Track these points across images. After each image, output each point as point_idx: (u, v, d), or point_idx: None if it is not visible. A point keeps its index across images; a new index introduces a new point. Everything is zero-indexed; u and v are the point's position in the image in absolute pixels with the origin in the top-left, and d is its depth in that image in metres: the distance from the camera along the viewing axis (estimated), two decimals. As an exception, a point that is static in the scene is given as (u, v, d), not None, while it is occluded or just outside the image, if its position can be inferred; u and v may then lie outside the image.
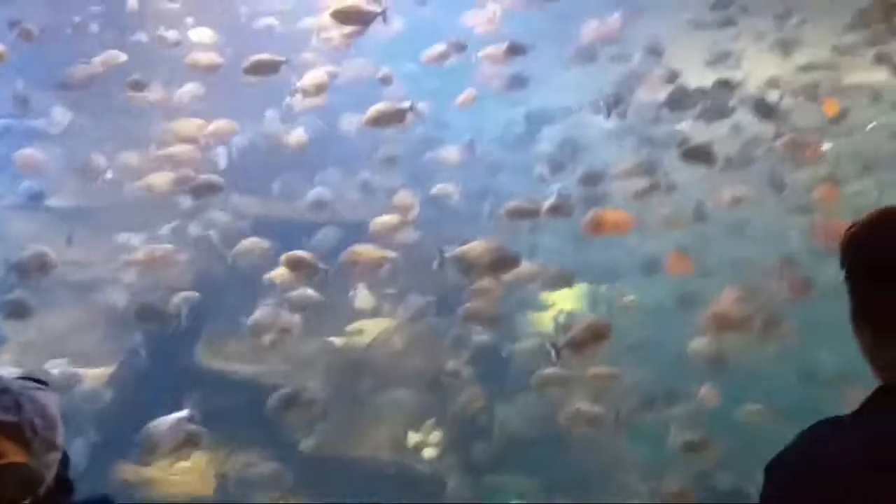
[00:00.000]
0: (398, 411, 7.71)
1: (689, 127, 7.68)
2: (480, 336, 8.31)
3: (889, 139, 8.17)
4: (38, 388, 1.84)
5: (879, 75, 7.88)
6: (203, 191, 7.31)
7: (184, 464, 7.10)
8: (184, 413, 6.48)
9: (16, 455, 1.71)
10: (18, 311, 6.83)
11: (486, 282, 6.83)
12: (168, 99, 8.24)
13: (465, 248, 5.94)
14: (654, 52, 8.74)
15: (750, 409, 7.37)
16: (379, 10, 6.46)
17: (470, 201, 9.47)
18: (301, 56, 8.35)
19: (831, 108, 7.52)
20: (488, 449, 7.77)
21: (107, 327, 7.80)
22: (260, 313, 7.24)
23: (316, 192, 8.24)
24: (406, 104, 6.76)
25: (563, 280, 7.89)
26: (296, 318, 7.63)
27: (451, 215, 9.49)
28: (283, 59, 6.91)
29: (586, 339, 5.76)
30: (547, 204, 6.94)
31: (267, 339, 7.59)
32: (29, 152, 8.05)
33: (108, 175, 8.02)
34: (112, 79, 7.92)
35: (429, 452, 7.45)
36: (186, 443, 6.12)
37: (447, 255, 5.99)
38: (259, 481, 6.98)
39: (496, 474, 7.75)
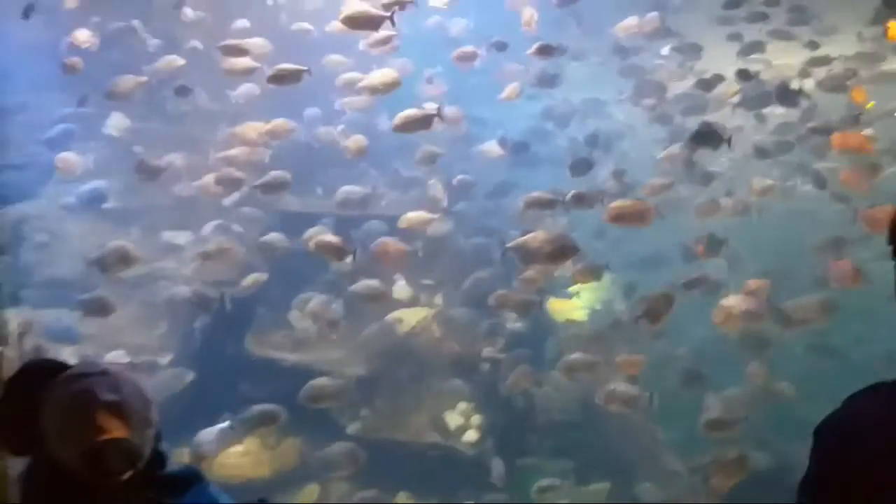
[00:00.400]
0: (439, 396, 8.00)
1: (718, 117, 7.82)
2: (515, 324, 8.63)
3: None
4: (132, 369, 2.08)
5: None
6: (274, 188, 7.54)
7: (237, 448, 7.48)
8: (225, 424, 6.95)
9: (118, 431, 1.84)
10: (99, 309, 7.11)
11: (530, 272, 7.00)
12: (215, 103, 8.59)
13: (525, 238, 6.12)
14: (686, 48, 8.94)
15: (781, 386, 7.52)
16: (387, 13, 6.62)
17: (502, 195, 9.75)
18: (337, 58, 8.69)
19: (859, 96, 7.63)
20: (526, 433, 8.03)
21: (161, 321, 8.18)
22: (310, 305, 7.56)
23: (346, 190, 8.38)
24: (433, 109, 6.99)
25: (593, 273, 8.03)
26: (338, 309, 8.02)
27: (486, 210, 9.81)
28: (305, 68, 7.06)
29: (659, 307, 6.12)
30: (569, 195, 7.10)
31: (313, 328, 7.97)
32: (65, 156, 8.27)
33: (167, 175, 8.29)
34: (167, 83, 8.30)
35: (470, 435, 7.73)
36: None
37: (508, 245, 6.18)
38: (335, 461, 7.28)
39: (533, 457, 8.00)
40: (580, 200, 7.09)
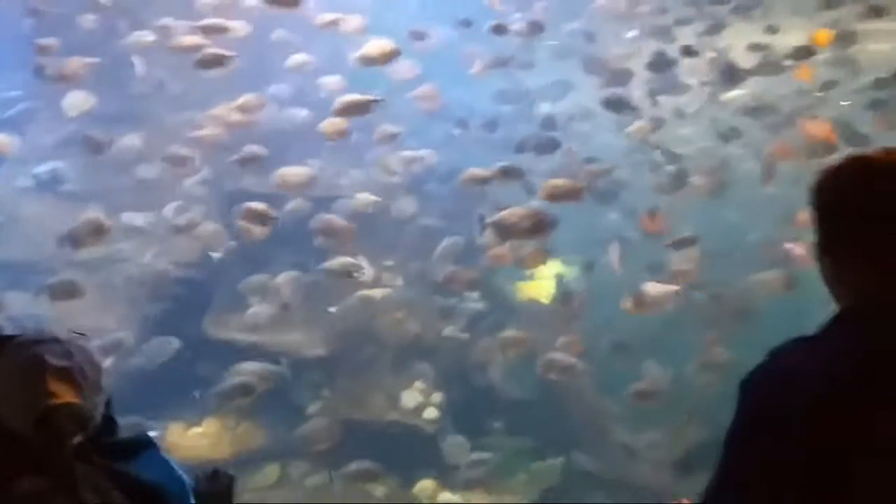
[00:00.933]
0: (398, 376, 8.06)
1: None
2: (476, 304, 8.69)
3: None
4: (83, 338, 2.06)
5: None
6: (248, 162, 7.54)
7: (197, 430, 7.50)
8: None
9: (69, 396, 1.88)
10: (68, 292, 7.04)
11: (497, 250, 7.04)
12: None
13: (504, 213, 6.19)
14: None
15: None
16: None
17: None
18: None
19: (804, 74, 7.72)
20: (485, 410, 8.11)
21: (119, 304, 8.13)
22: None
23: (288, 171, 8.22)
24: (374, 97, 7.17)
25: (540, 257, 8.05)
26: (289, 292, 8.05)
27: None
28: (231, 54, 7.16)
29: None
30: (497, 168, 7.22)
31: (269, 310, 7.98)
32: None
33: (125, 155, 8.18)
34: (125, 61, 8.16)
35: (429, 413, 7.80)
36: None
37: (487, 220, 6.22)
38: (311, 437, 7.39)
39: (492, 436, 8.09)
40: (508, 174, 7.24)
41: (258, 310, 7.82)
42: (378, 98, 7.08)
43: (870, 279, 1.58)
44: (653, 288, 6.84)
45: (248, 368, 7.11)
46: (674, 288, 6.82)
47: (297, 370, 7.76)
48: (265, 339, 7.96)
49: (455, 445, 7.49)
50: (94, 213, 7.18)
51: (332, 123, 7.98)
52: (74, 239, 7.00)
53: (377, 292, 8.23)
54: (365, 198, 7.96)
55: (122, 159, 8.47)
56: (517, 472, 7.66)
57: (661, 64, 8.02)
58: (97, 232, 7.03)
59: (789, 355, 1.58)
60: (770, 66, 7.72)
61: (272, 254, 8.54)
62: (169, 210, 8.49)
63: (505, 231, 6.25)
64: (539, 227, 6.24)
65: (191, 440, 7.42)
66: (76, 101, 8.18)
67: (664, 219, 7.19)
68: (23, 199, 8.78)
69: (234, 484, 2.43)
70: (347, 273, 7.42)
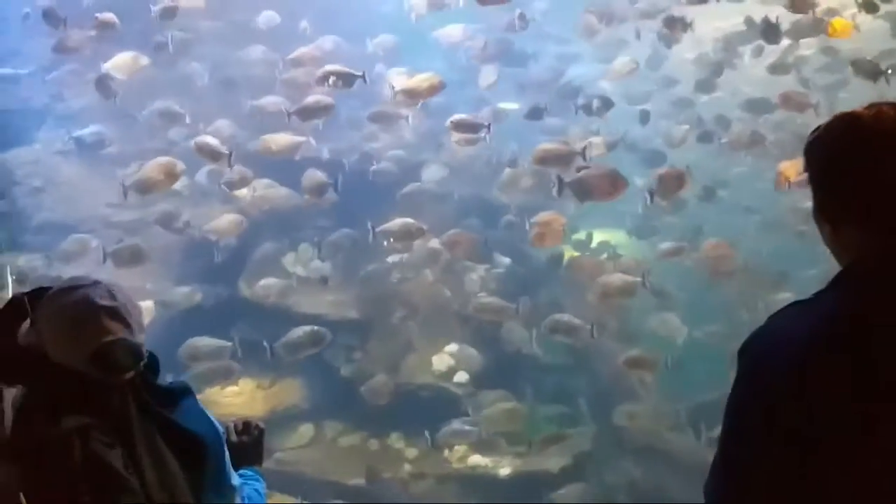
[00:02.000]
0: (430, 339, 8.09)
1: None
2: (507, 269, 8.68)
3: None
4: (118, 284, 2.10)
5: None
6: (313, 113, 7.48)
7: (233, 388, 7.64)
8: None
9: (121, 332, 1.94)
10: (132, 258, 7.18)
11: (547, 216, 7.09)
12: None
13: (582, 173, 6.23)
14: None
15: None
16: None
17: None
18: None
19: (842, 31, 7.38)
20: (517, 376, 8.11)
21: (154, 265, 8.24)
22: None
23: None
24: (359, 72, 7.34)
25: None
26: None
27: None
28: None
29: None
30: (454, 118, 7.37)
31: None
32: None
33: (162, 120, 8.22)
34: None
35: (460, 377, 7.84)
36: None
37: (566, 180, 6.24)
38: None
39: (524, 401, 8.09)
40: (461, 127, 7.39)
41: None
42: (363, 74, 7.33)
43: (863, 239, 1.54)
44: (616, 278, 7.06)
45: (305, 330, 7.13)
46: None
47: (331, 332, 7.81)
48: (299, 301, 8.04)
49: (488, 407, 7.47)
50: (163, 158, 7.22)
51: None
52: (144, 184, 7.09)
53: (409, 257, 8.25)
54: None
55: (156, 124, 8.54)
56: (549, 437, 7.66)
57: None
58: (169, 176, 7.12)
59: (783, 319, 1.57)
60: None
61: (304, 218, 8.61)
62: (202, 174, 8.59)
63: (584, 191, 6.24)
64: (616, 187, 6.26)
65: (225, 398, 7.54)
66: (122, 62, 7.99)
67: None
68: (62, 161, 8.92)
69: (264, 435, 2.47)
70: (409, 235, 7.40)
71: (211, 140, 7.37)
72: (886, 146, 1.53)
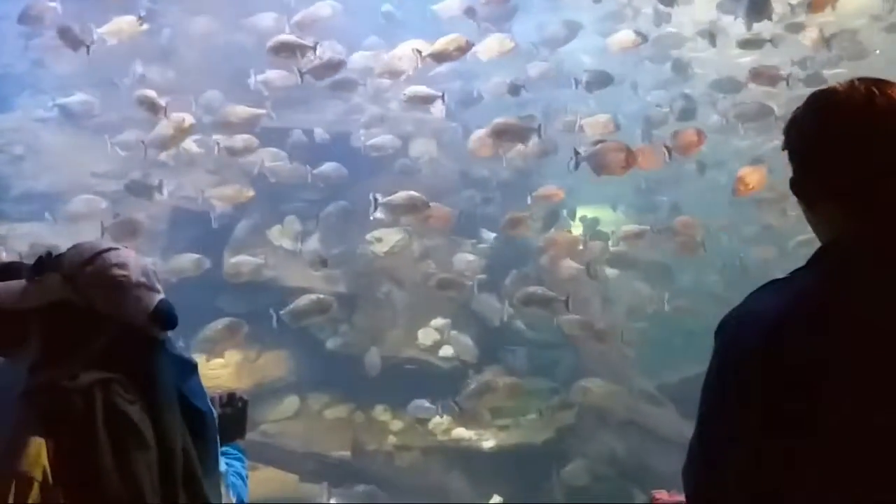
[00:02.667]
0: (416, 313, 8.13)
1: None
2: (493, 245, 8.71)
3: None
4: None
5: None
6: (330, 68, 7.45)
7: (219, 360, 7.63)
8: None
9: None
10: (130, 232, 7.10)
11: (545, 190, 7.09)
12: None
13: (598, 147, 6.32)
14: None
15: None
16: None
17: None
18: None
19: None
20: (502, 350, 8.19)
21: (140, 236, 8.17)
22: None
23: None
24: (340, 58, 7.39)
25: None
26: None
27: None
28: None
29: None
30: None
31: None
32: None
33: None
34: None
35: (445, 350, 7.90)
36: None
37: (581, 153, 6.31)
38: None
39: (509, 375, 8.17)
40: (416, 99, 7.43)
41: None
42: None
43: (840, 217, 1.54)
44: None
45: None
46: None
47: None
48: (285, 274, 8.03)
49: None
50: (176, 113, 7.20)
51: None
52: (162, 141, 7.15)
53: (395, 232, 8.23)
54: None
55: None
56: (532, 411, 7.77)
57: None
58: (182, 131, 7.19)
59: (758, 297, 1.56)
60: None
61: (290, 192, 8.56)
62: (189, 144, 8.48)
63: (600, 166, 6.32)
64: (629, 161, 6.34)
65: (212, 370, 7.54)
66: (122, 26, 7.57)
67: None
68: (43, 129, 8.78)
69: (247, 407, 2.48)
70: (414, 208, 7.26)
71: (149, 92, 7.31)
72: (860, 124, 1.52)
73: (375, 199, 7.04)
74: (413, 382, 7.70)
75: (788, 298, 1.50)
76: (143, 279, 2.00)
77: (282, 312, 6.98)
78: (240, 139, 7.60)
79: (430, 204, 7.33)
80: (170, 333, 2.07)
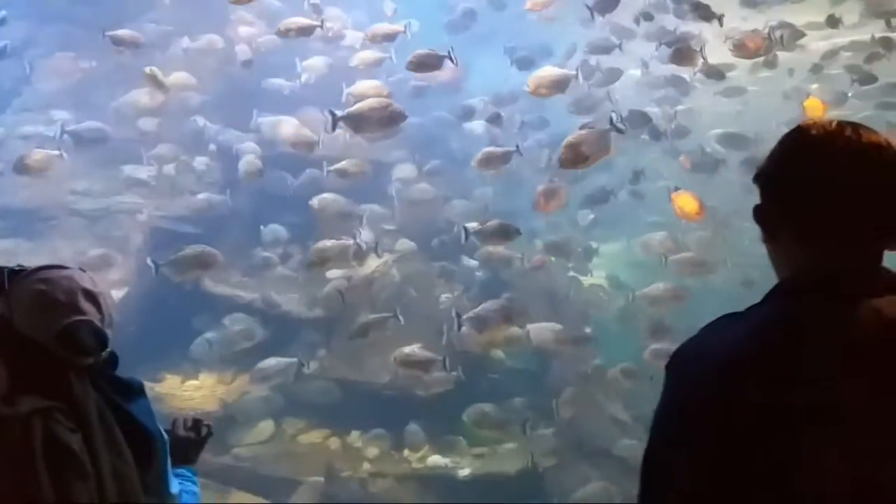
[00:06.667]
0: (395, 338, 8.05)
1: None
2: (479, 273, 8.71)
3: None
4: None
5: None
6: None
7: (193, 382, 7.55)
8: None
9: (94, 316, 1.99)
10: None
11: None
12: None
13: (357, 105, 6.20)
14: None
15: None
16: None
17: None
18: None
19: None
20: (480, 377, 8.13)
21: (118, 255, 8.11)
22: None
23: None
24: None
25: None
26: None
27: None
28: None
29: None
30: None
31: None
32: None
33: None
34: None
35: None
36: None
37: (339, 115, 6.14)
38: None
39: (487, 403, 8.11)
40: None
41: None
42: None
43: (798, 253, 1.53)
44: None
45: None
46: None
47: (294, 329, 7.77)
48: (264, 296, 7.98)
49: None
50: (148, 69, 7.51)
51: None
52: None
53: (372, 262, 8.21)
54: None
55: (126, 113, 8.42)
56: (508, 439, 7.70)
57: None
58: (158, 86, 7.62)
59: (710, 331, 1.55)
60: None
61: (269, 211, 8.54)
62: (170, 166, 8.48)
63: (358, 123, 6.21)
64: (391, 119, 6.27)
65: (186, 392, 7.46)
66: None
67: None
68: (25, 147, 8.70)
69: (209, 437, 2.45)
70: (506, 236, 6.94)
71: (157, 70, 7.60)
72: (830, 164, 1.52)
73: (466, 229, 6.69)
74: (391, 409, 7.62)
75: (742, 332, 1.48)
76: (63, 298, 1.94)
77: (161, 264, 6.52)
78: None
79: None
80: (118, 355, 2.05)
